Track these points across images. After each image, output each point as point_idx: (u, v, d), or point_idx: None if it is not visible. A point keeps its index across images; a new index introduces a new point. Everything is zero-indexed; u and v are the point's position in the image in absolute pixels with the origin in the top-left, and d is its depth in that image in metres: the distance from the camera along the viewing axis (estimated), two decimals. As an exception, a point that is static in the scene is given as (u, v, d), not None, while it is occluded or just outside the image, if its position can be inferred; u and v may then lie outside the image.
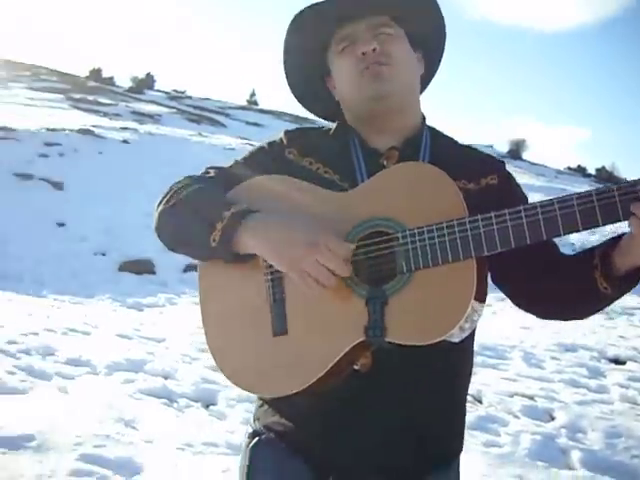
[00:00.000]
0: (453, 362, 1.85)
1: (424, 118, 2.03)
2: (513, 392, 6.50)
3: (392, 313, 1.60)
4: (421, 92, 2.11)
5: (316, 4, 1.92)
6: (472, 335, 1.96)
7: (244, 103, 49.89)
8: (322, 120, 2.19)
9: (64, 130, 20.48)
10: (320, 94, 2.08)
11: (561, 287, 1.77)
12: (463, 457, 4.46)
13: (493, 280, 1.91)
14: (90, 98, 35.47)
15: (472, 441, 5.16)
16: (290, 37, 2.01)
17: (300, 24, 1.97)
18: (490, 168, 1.94)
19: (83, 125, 22.03)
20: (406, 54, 1.94)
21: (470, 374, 2.01)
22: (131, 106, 35.74)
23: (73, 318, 8.35)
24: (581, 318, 1.88)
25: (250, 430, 2.01)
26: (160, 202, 1.93)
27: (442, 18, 2.02)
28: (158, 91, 53.10)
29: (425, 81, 2.11)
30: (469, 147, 2.05)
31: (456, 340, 1.62)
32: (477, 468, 4.70)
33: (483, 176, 1.90)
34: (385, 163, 1.88)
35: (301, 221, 1.73)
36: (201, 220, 1.79)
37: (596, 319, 11.61)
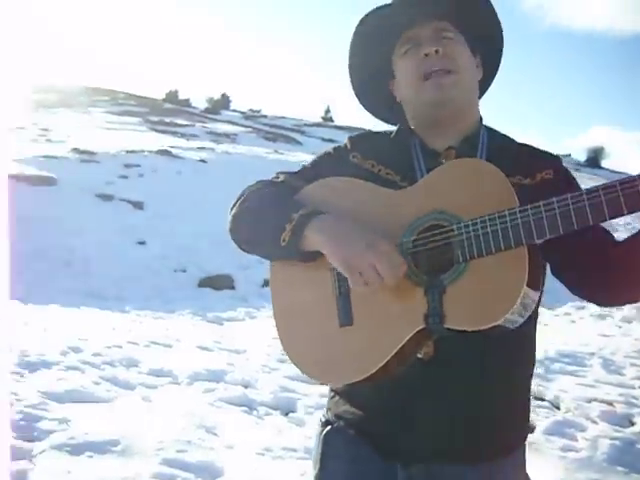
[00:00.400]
0: (512, 350, 1.88)
1: (481, 119, 2.09)
2: (591, 398, 6.42)
3: (450, 301, 1.66)
4: (481, 96, 2.19)
5: (381, 8, 2.00)
6: (533, 325, 2.01)
7: (319, 120, 50.18)
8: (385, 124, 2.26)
9: (143, 151, 20.96)
10: (383, 98, 2.14)
11: (612, 270, 1.81)
12: (539, 462, 4.47)
13: (552, 272, 1.97)
14: (167, 120, 36.11)
15: (549, 446, 5.14)
16: (356, 40, 2.08)
17: (366, 28, 2.04)
18: (545, 163, 1.98)
19: (161, 146, 22.49)
20: (467, 59, 1.99)
21: (532, 364, 2.05)
22: (207, 126, 36.23)
23: (155, 332, 8.56)
24: (636, 300, 1.91)
25: (322, 419, 2.09)
26: (234, 205, 2.04)
27: (499, 23, 2.07)
28: (234, 111, 53.69)
29: (483, 87, 2.16)
30: (525, 145, 2.09)
31: (512, 327, 1.68)
32: (554, 472, 4.68)
33: (538, 171, 1.95)
34: (444, 162, 1.94)
35: (364, 222, 1.82)
36: (272, 221, 1.89)
37: (679, 325, 11.39)
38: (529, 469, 4.47)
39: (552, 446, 5.16)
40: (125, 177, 18.38)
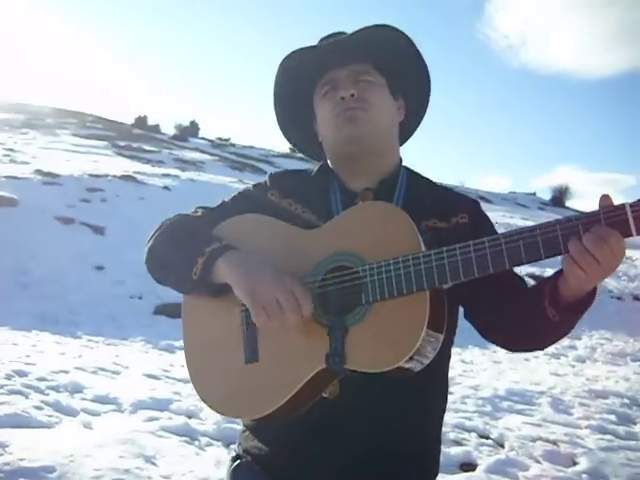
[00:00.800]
0: (421, 390, 1.89)
1: (401, 161, 2.13)
2: (536, 437, 6.46)
3: (352, 342, 1.69)
4: (405, 140, 2.22)
5: (302, 50, 2.04)
6: (445, 364, 2.04)
7: (287, 151, 50.22)
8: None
9: (107, 176, 20.83)
10: (309, 136, 2.19)
11: (518, 317, 1.84)
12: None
13: (465, 316, 2.00)
14: (134, 145, 35.96)
15: (489, 484, 5.16)
16: (278, 81, 2.13)
17: (287, 69, 2.08)
18: (461, 207, 2.02)
19: (125, 171, 22.38)
20: (384, 101, 2.03)
21: (443, 407, 2.08)
22: (175, 153, 36.14)
23: (104, 358, 8.47)
24: (542, 348, 1.96)
25: (233, 454, 2.11)
26: (150, 238, 2.06)
27: (426, 70, 2.11)
28: (202, 139, 53.63)
29: (409, 130, 2.22)
30: (444, 187, 2.13)
31: (418, 369, 1.70)
32: (493, 511, 4.71)
33: (454, 215, 1.98)
34: (375, 201, 1.97)
35: (274, 259, 1.85)
36: (185, 255, 1.92)
37: (630, 366, 11.50)
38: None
39: (493, 485, 5.18)
40: (87, 201, 18.24)
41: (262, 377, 1.82)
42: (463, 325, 2.03)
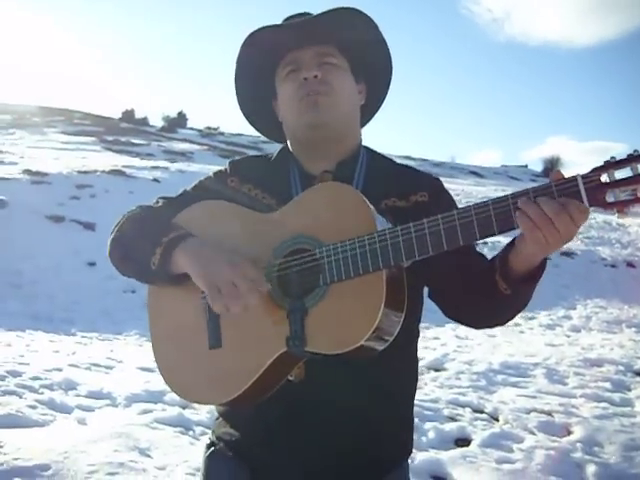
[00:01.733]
0: (388, 370, 1.90)
1: (361, 142, 2.13)
2: (531, 409, 6.50)
3: (311, 324, 1.70)
4: (366, 122, 2.23)
5: (267, 28, 2.02)
6: (413, 342, 2.04)
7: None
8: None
9: (95, 172, 20.75)
10: (267, 115, 2.18)
11: (473, 294, 1.85)
12: (474, 475, 4.53)
13: (429, 296, 2.01)
14: (123, 139, 35.85)
15: (484, 458, 5.20)
16: (241, 58, 2.11)
17: (251, 46, 2.07)
18: (421, 186, 2.02)
19: (114, 166, 22.31)
20: (346, 85, 2.03)
21: (413, 385, 2.08)
22: (163, 145, 36.04)
23: (98, 354, 8.49)
24: (501, 323, 1.95)
25: (208, 441, 2.13)
26: (112, 231, 2.07)
27: (388, 54, 2.10)
28: (191, 129, 53.44)
29: (370, 112, 2.22)
30: (405, 166, 2.13)
31: (379, 348, 1.70)
32: (488, 485, 4.73)
33: (413, 193, 1.98)
34: (332, 182, 1.97)
35: (233, 245, 1.86)
36: (143, 246, 1.94)
37: (625, 333, 11.53)
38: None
39: (487, 458, 5.22)
40: (77, 198, 18.18)
41: (226, 362, 1.83)
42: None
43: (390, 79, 2.16)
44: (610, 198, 1.50)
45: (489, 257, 1.91)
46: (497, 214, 1.56)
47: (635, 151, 1.48)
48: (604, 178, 1.50)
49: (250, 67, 2.13)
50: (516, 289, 1.73)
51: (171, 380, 1.96)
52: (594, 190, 1.49)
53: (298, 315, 1.71)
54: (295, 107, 2.01)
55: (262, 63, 2.10)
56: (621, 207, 1.50)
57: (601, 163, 1.51)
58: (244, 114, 2.24)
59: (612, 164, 1.50)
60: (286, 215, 1.85)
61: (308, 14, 2.02)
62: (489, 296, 1.78)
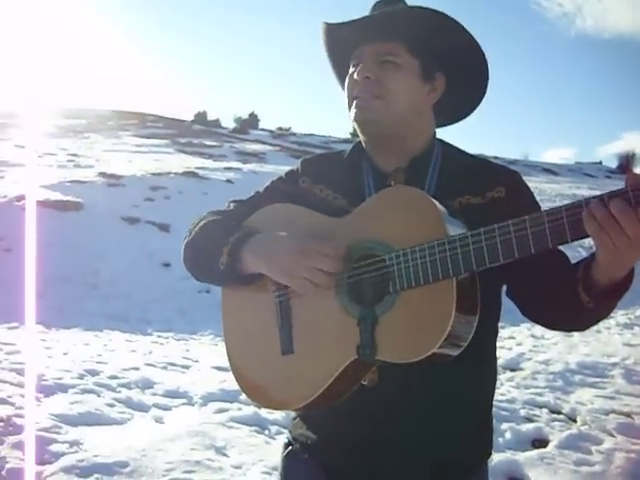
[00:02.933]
0: (464, 372, 1.86)
1: (434, 136, 2.07)
2: (609, 410, 6.37)
3: (382, 332, 1.68)
4: (460, 118, 2.17)
5: (336, 24, 2.00)
6: (490, 343, 2.01)
7: (347, 136, 50.10)
8: None
9: (169, 174, 21.03)
10: None
11: (554, 301, 1.79)
12: (551, 476, 4.45)
13: (507, 294, 1.96)
14: (195, 141, 36.25)
15: (562, 460, 5.11)
16: (326, 45, 2.11)
17: (328, 38, 2.07)
18: (498, 181, 1.95)
19: (187, 168, 22.58)
20: (404, 86, 1.95)
21: (489, 387, 2.04)
22: (236, 146, 36.33)
23: (174, 353, 8.61)
24: (581, 330, 1.91)
25: (285, 441, 2.13)
26: (185, 236, 2.08)
27: (474, 50, 1.99)
28: (263, 130, 53.82)
29: (462, 107, 2.14)
30: (482, 160, 2.06)
31: (454, 354, 1.67)
32: (566, 487, 4.66)
33: (489, 189, 1.92)
34: (392, 184, 1.95)
35: (296, 236, 1.85)
36: (212, 248, 1.94)
37: None
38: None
39: (565, 460, 5.13)
40: (151, 200, 18.45)
41: (298, 369, 1.84)
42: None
43: (477, 75, 2.05)
44: None
45: (569, 256, 1.86)
46: (570, 221, 1.48)
47: None
48: None
49: (333, 55, 2.13)
50: (598, 303, 1.67)
51: (244, 384, 1.97)
52: None
53: (368, 323, 1.70)
54: (349, 106, 2.00)
55: (340, 55, 2.08)
56: None
57: None
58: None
59: None
60: (355, 220, 1.83)
61: (398, 1, 1.98)
62: (570, 307, 1.72)
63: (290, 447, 2.09)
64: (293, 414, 2.13)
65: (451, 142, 2.11)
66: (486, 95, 2.10)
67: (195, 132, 42.82)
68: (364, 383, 1.81)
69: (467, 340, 1.66)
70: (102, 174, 20.14)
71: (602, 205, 1.45)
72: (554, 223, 1.50)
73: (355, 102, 1.96)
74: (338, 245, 1.77)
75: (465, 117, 2.18)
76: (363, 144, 2.07)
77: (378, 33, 1.95)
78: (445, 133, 2.16)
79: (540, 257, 1.73)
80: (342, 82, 2.11)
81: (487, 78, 2.06)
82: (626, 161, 51.02)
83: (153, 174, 20.75)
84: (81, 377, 6.62)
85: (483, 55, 2.00)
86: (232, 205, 2.15)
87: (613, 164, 53.18)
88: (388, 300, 1.70)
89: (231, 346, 2.04)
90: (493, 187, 1.93)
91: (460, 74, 2.04)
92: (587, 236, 1.49)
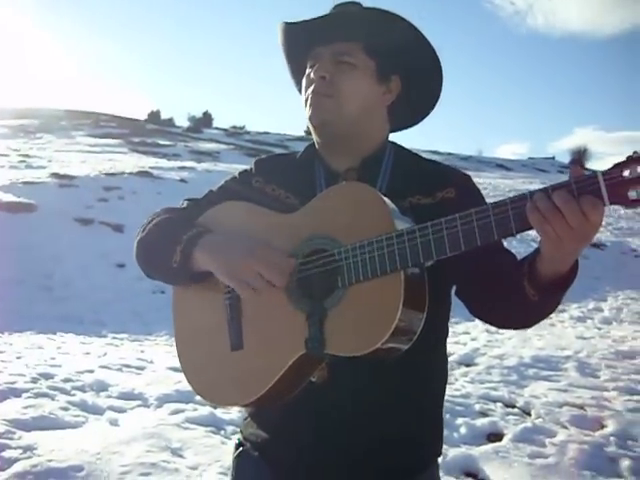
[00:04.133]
0: (414, 370, 1.88)
1: (387, 138, 2.09)
2: (563, 402, 6.46)
3: (330, 326, 1.69)
4: (414, 123, 2.19)
5: (294, 23, 2.01)
6: (440, 342, 2.03)
7: (302, 134, 50.14)
8: None
9: (123, 174, 20.90)
10: None
11: (500, 297, 1.80)
12: (506, 470, 4.47)
13: (455, 294, 1.98)
14: (149, 141, 36.07)
15: (516, 453, 5.18)
16: (283, 44, 2.12)
17: (286, 37, 2.08)
18: (448, 182, 1.97)
19: (141, 167, 22.45)
20: (358, 87, 1.97)
21: (440, 384, 2.06)
22: (190, 145, 36.24)
23: (129, 355, 8.55)
24: (527, 326, 1.91)
25: (236, 442, 2.14)
26: (137, 233, 2.08)
27: (427, 46, 2.00)
28: (216, 129, 53.72)
29: (416, 111, 2.16)
30: (432, 162, 2.09)
31: (403, 347, 1.67)
32: (520, 480, 4.71)
33: (439, 190, 1.95)
34: (351, 181, 1.96)
35: (246, 237, 1.86)
36: (165, 246, 1.94)
37: (659, 323, 11.43)
38: (494, 478, 4.50)
39: (520, 453, 5.21)
40: (105, 200, 18.32)
41: (247, 364, 1.83)
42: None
43: (432, 80, 2.07)
44: (632, 195, 1.43)
45: (522, 251, 1.88)
46: (515, 213, 1.51)
47: None
48: (626, 174, 1.43)
49: (289, 54, 2.14)
50: (544, 296, 1.68)
51: (195, 382, 1.97)
52: (615, 187, 1.43)
53: (317, 317, 1.70)
54: (305, 104, 2.02)
55: (296, 54, 2.10)
56: None
57: (623, 158, 1.47)
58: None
59: (635, 159, 1.43)
60: (306, 215, 1.84)
61: (356, 3, 2.00)
62: (516, 301, 1.73)
63: (241, 447, 2.09)
64: (245, 414, 2.14)
65: (406, 139, 2.13)
66: (439, 99, 2.12)
67: (149, 131, 42.60)
68: (313, 380, 1.82)
69: (416, 334, 1.67)
70: (55, 175, 19.95)
71: (545, 197, 1.48)
72: (499, 215, 1.52)
73: (309, 100, 1.98)
74: (287, 256, 1.78)
75: (419, 122, 2.20)
76: (316, 145, 2.08)
77: (335, 33, 1.97)
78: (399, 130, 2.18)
79: (488, 256, 1.76)
80: (298, 82, 2.14)
81: (441, 83, 2.08)
82: (578, 156, 51.66)
83: (107, 174, 20.61)
84: (34, 381, 6.53)
85: (438, 60, 2.03)
86: (186, 203, 2.15)
87: (566, 159, 53.87)
88: (337, 294, 1.70)
89: (181, 345, 2.03)
90: (443, 188, 1.95)
91: (416, 77, 2.06)
92: (531, 228, 1.51)
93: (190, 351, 2.00)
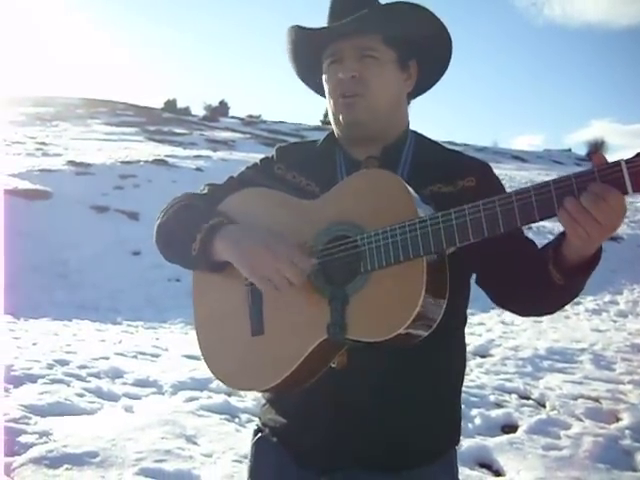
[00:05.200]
0: (433, 357, 1.88)
1: (408, 125, 2.10)
2: (578, 395, 6.45)
3: (352, 311, 1.69)
4: (418, 95, 2.18)
5: (309, 29, 2.01)
6: (459, 329, 2.03)
7: (318, 123, 50.07)
8: None
9: (138, 162, 20.94)
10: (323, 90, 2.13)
11: (524, 283, 1.81)
12: (520, 461, 4.46)
13: (477, 282, 1.98)
14: (165, 129, 36.09)
15: (530, 445, 5.17)
16: (291, 43, 2.10)
17: (298, 35, 2.05)
18: (469, 171, 1.98)
19: (157, 156, 22.49)
20: (387, 80, 1.98)
21: (458, 373, 2.06)
22: (206, 134, 36.20)
23: (144, 342, 8.59)
24: (551, 312, 1.92)
25: (255, 427, 2.14)
26: (158, 217, 2.08)
27: (443, 30, 2.02)
28: (233, 118, 53.65)
29: (424, 87, 2.16)
30: (453, 151, 2.10)
31: (423, 334, 1.69)
32: (534, 472, 4.70)
33: (460, 179, 1.95)
34: (373, 168, 1.95)
35: (268, 230, 1.85)
36: (185, 233, 1.95)
37: (674, 316, 11.38)
38: (508, 469, 4.48)
39: (534, 445, 5.19)
40: (120, 188, 18.36)
41: (268, 349, 1.84)
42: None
43: (448, 54, 2.08)
44: None
45: (537, 243, 1.88)
46: (538, 200, 1.53)
47: None
48: None
49: (300, 52, 2.11)
50: (570, 279, 1.69)
51: (214, 367, 1.97)
52: (638, 175, 1.45)
53: (339, 302, 1.71)
54: (333, 105, 2.01)
55: (310, 51, 2.07)
56: None
57: None
58: (309, 86, 2.24)
59: None
60: (328, 202, 1.85)
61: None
62: (541, 286, 1.74)
63: (260, 433, 2.10)
64: (263, 401, 2.14)
65: (423, 130, 2.12)
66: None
67: (165, 120, 42.61)
68: (333, 366, 1.82)
69: (436, 321, 1.68)
70: (71, 162, 20.02)
71: (573, 198, 1.49)
72: (522, 202, 1.54)
73: (342, 101, 1.97)
74: (308, 251, 1.79)
75: (427, 90, 2.19)
76: (336, 134, 2.08)
77: (357, 27, 1.95)
78: (417, 121, 2.18)
79: (511, 244, 1.76)
80: (309, 80, 2.16)
81: (450, 56, 2.10)
82: (595, 148, 51.39)
83: (122, 162, 20.67)
84: (50, 367, 6.56)
85: (449, 37, 2.04)
86: (207, 189, 2.16)
87: (582, 151, 53.65)
88: (359, 280, 1.71)
89: (201, 330, 2.04)
90: (464, 176, 1.96)
91: (430, 57, 2.07)
92: (554, 215, 1.52)
93: (210, 336, 2.00)
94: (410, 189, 1.71)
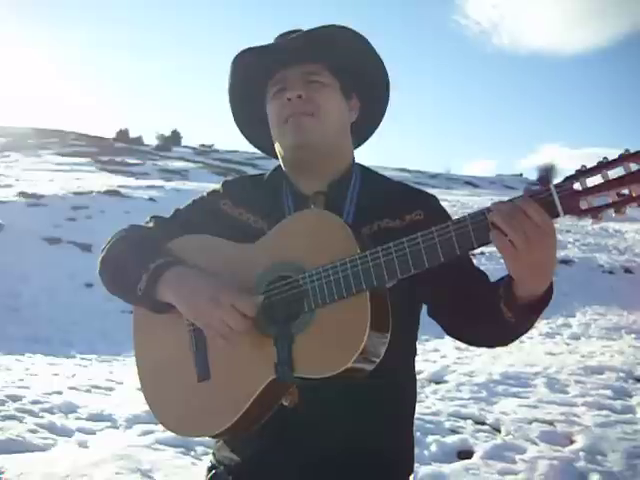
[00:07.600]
0: (382, 393, 1.90)
1: (354, 160, 2.11)
2: (532, 419, 6.47)
3: (298, 350, 1.71)
4: (364, 140, 2.22)
5: (255, 48, 2.01)
6: (408, 362, 2.04)
7: (271, 153, 49.97)
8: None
9: (91, 192, 20.80)
10: (264, 135, 2.15)
11: (476, 318, 1.84)
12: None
13: (428, 314, 2.00)
14: (118, 159, 35.89)
15: (487, 470, 5.19)
16: (232, 78, 2.10)
17: (240, 67, 2.06)
18: (416, 204, 2.01)
19: (110, 186, 22.34)
20: (333, 103, 2.01)
21: (409, 402, 2.07)
22: (158, 164, 36.02)
23: (98, 376, 8.47)
24: (504, 345, 1.96)
25: (209, 464, 2.12)
26: (102, 249, 2.07)
27: (382, 67, 2.07)
28: (185, 147, 53.51)
29: (367, 129, 2.20)
30: (400, 184, 2.12)
31: (368, 369, 1.70)
32: (491, 497, 4.72)
33: (408, 213, 1.97)
34: (312, 208, 1.97)
35: (213, 276, 1.87)
36: (131, 270, 1.94)
37: (625, 339, 11.50)
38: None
39: (490, 470, 5.21)
40: (73, 219, 18.23)
41: (216, 394, 1.84)
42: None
43: (384, 94, 2.13)
44: (584, 205, 1.54)
45: (491, 268, 1.90)
46: (475, 228, 1.58)
47: (604, 158, 1.53)
48: (577, 186, 1.54)
49: (241, 90, 2.12)
50: (521, 317, 1.73)
51: (163, 417, 1.96)
52: (568, 198, 1.54)
53: (285, 342, 1.72)
54: (280, 128, 2.01)
55: (253, 83, 2.09)
56: (595, 213, 1.54)
57: (573, 172, 1.55)
58: (244, 136, 2.26)
59: (583, 172, 1.54)
60: (268, 244, 1.86)
61: (299, 31, 2.00)
62: (493, 322, 1.77)
63: (214, 470, 2.08)
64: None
65: (375, 158, 2.15)
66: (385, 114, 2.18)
67: (117, 150, 42.37)
68: (285, 404, 1.82)
69: (380, 356, 1.70)
70: (22, 194, 19.81)
71: (499, 212, 1.57)
72: (460, 230, 1.59)
73: (290, 120, 1.97)
74: (251, 299, 1.79)
75: (369, 137, 2.24)
76: (283, 168, 2.09)
77: (303, 55, 1.98)
78: (369, 148, 2.16)
79: (460, 276, 1.78)
80: (245, 121, 2.19)
81: (388, 97, 2.14)
82: (546, 173, 52.04)
83: (75, 193, 20.50)
84: (2, 403, 6.44)
85: (387, 75, 2.09)
86: (152, 222, 2.14)
87: (533, 176, 54.25)
88: (304, 318, 1.73)
89: (145, 377, 2.03)
90: (412, 210, 1.98)
91: (370, 94, 2.11)
92: (490, 241, 1.58)
93: (155, 384, 1.99)
94: (348, 226, 1.73)
